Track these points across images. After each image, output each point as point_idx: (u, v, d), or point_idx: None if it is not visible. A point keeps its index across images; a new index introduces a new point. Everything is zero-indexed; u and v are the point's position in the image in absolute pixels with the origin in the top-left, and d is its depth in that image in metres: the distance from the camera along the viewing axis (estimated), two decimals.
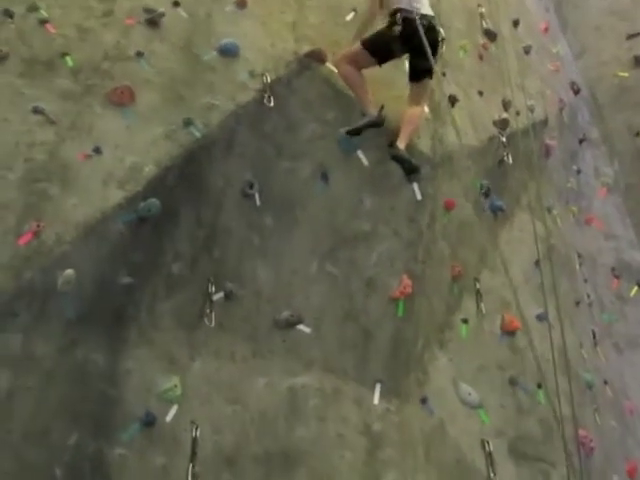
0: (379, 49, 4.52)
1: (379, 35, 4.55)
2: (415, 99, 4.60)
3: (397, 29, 4.38)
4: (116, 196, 3.68)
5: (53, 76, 4.00)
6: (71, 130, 3.82)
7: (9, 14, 4.13)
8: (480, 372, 4.42)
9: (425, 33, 4.15)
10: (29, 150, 3.70)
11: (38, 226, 3.44)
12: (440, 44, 4.57)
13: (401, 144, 4.38)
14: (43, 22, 4.15)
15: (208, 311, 3.69)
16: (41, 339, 3.34)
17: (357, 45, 4.58)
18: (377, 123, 4.42)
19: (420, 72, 4.53)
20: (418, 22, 4.24)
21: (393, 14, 4.44)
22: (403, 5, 4.43)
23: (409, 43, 4.39)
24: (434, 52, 4.25)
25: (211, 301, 3.72)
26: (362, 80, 4.55)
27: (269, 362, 3.80)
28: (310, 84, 4.60)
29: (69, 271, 3.39)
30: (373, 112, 4.44)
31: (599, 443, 4.81)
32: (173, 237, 3.80)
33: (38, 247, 3.46)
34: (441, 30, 4.62)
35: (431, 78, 4.58)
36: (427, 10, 4.53)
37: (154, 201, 3.70)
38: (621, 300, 6.50)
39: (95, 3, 4.35)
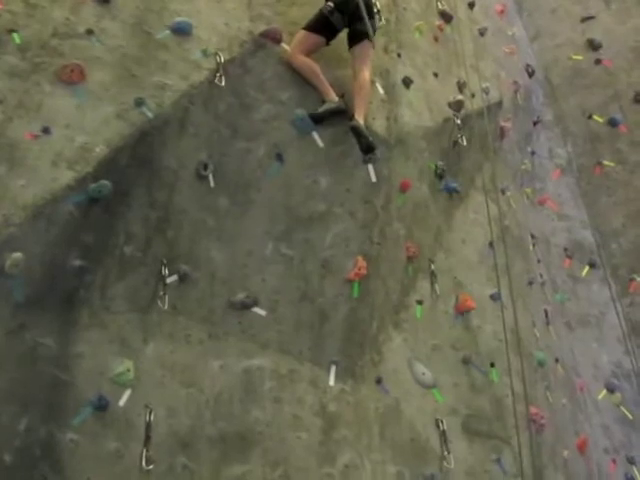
0: (321, 26, 4.63)
1: (318, 14, 4.67)
2: (359, 65, 4.66)
3: (331, 3, 4.62)
4: (66, 177, 3.58)
5: (0, 53, 3.87)
6: (19, 109, 3.70)
7: None
8: (434, 352, 4.49)
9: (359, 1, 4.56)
10: None
11: None
12: (377, 13, 4.83)
13: (359, 117, 4.45)
14: None
15: (162, 293, 3.65)
16: None
17: (300, 32, 4.65)
18: (340, 110, 4.47)
19: (357, 33, 4.68)
20: None
21: None
22: None
23: (346, 11, 4.61)
24: (369, 16, 4.65)
25: (165, 283, 3.68)
26: (317, 68, 4.59)
27: (224, 344, 3.79)
28: (265, 64, 4.55)
29: (17, 254, 3.31)
30: (334, 99, 4.46)
31: (550, 420, 4.93)
32: (125, 219, 3.73)
33: None
34: (377, 3, 4.89)
35: (371, 41, 4.70)
36: None
37: (105, 182, 3.62)
38: (573, 279, 6.65)
39: None
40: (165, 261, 3.73)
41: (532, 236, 6.19)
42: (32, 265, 3.39)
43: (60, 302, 3.44)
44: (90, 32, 4.06)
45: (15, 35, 3.92)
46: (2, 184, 3.48)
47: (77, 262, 3.49)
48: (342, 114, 4.49)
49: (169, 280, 3.71)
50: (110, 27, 4.16)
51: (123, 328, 3.54)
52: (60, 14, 4.09)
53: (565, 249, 6.77)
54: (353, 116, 4.44)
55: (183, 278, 3.76)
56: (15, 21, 3.96)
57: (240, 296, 3.88)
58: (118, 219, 3.70)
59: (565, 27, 8.26)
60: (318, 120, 4.46)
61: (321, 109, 4.48)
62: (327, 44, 4.71)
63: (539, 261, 6.12)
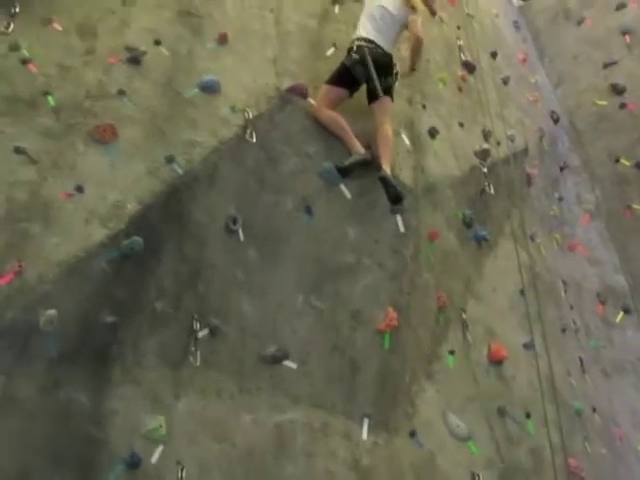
0: (344, 79, 4.76)
1: (340, 67, 4.80)
2: (380, 119, 4.76)
3: (355, 55, 4.74)
4: (99, 234, 3.65)
5: (35, 115, 3.97)
6: (53, 169, 3.79)
7: None
8: (468, 403, 4.40)
9: (378, 58, 4.73)
10: (10, 189, 3.67)
11: (20, 266, 3.41)
12: (394, 74, 4.91)
13: (386, 167, 4.51)
14: (25, 61, 4.14)
15: (193, 348, 3.66)
16: (23, 380, 3.28)
17: (324, 86, 4.77)
18: (367, 162, 4.54)
19: (374, 90, 4.77)
20: (369, 45, 4.77)
21: (351, 43, 4.84)
22: (362, 34, 4.86)
23: (366, 66, 4.72)
24: (387, 74, 4.78)
25: (196, 338, 3.69)
26: (342, 121, 4.69)
27: (256, 398, 3.76)
28: (292, 118, 4.64)
29: (51, 311, 3.36)
30: (361, 150, 4.53)
31: (590, 472, 4.78)
32: (156, 274, 3.76)
33: (20, 286, 3.41)
34: (396, 64, 4.97)
35: (391, 97, 4.83)
36: (386, 46, 4.88)
37: (137, 238, 3.68)
38: (607, 325, 6.52)
39: (77, 42, 4.35)
40: (196, 316, 3.75)
41: (563, 282, 6.11)
42: (65, 322, 3.42)
43: (93, 358, 3.45)
44: (122, 92, 4.19)
45: (49, 97, 4.05)
46: (37, 243, 3.55)
47: (109, 318, 3.51)
48: (369, 165, 4.55)
49: (200, 335, 3.71)
50: (141, 87, 4.29)
51: (155, 384, 3.53)
52: (93, 76, 4.23)
53: (598, 294, 6.66)
54: (380, 167, 4.50)
55: (214, 332, 3.76)
56: (49, 84, 4.10)
57: (271, 349, 3.87)
58: (149, 274, 3.74)
59: (588, 73, 8.29)
60: (345, 172, 4.51)
61: (348, 161, 4.55)
62: (350, 96, 4.80)
63: (572, 307, 6.03)
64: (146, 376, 3.52)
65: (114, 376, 3.46)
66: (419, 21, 5.03)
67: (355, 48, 4.79)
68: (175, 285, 3.80)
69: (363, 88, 4.87)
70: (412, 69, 5.13)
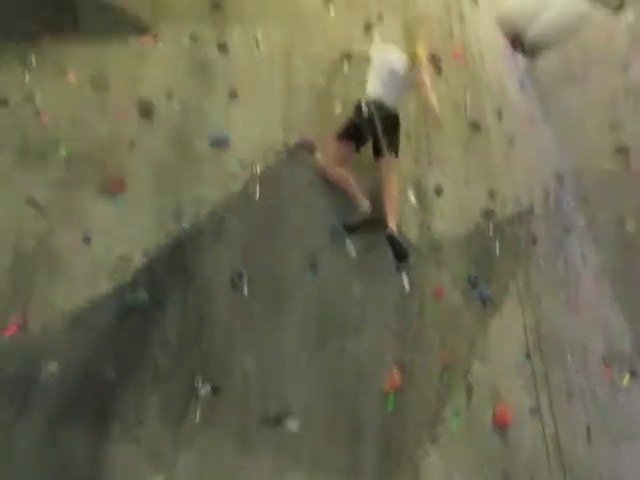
0: (352, 134, 4.77)
1: (349, 123, 4.83)
2: (386, 176, 4.77)
3: (365, 111, 4.76)
4: (104, 286, 3.65)
5: (46, 165, 4.01)
6: (62, 219, 3.82)
7: (4, 102, 4.19)
8: (473, 468, 4.32)
9: (386, 116, 4.76)
10: (18, 239, 3.68)
11: (24, 318, 3.38)
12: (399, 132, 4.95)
13: (393, 225, 4.51)
14: (38, 112, 4.18)
15: (194, 406, 3.60)
16: (23, 434, 3.24)
17: (332, 142, 4.80)
18: (373, 220, 4.54)
19: (380, 148, 4.81)
20: (376, 103, 4.79)
21: (359, 101, 4.86)
22: (370, 93, 4.91)
23: (374, 124, 4.73)
24: (394, 132, 4.83)
25: (197, 396, 3.63)
26: (350, 177, 4.70)
27: (257, 459, 3.69)
28: (298, 173, 4.66)
29: (53, 363, 3.32)
30: (368, 208, 4.54)
31: None
32: (160, 328, 3.74)
33: (23, 337, 3.40)
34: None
35: (396, 155, 4.86)
36: (394, 105, 4.92)
37: (142, 291, 3.67)
38: (614, 389, 6.43)
39: (90, 94, 4.40)
40: (198, 372, 3.70)
41: (569, 344, 6.04)
42: (67, 375, 3.39)
43: (93, 413, 3.41)
44: (132, 145, 4.22)
45: (61, 148, 4.09)
46: (42, 293, 3.55)
47: (112, 373, 3.47)
48: (375, 223, 4.55)
49: (202, 392, 3.66)
50: (151, 140, 4.32)
51: (155, 442, 3.48)
52: (104, 128, 4.26)
53: (603, 357, 6.57)
54: (387, 225, 4.50)
55: (216, 390, 3.71)
56: (61, 134, 4.14)
57: (273, 409, 3.81)
58: (153, 328, 3.72)
59: (593, 133, 8.35)
60: (352, 230, 4.51)
61: (354, 218, 4.54)
62: (357, 151, 4.83)
63: (577, 371, 5.95)
64: (146, 434, 3.48)
65: (114, 433, 3.42)
66: (428, 81, 5.09)
67: (363, 105, 4.83)
68: (178, 340, 3.77)
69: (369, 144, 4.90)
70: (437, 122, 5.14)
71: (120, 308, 3.64)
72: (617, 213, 7.51)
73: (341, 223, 4.52)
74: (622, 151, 7.79)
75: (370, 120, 4.74)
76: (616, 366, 6.51)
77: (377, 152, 4.85)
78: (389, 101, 4.90)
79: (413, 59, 5.06)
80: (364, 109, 4.79)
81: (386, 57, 5.11)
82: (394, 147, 4.86)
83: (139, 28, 4.81)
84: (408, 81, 5.06)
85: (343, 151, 4.77)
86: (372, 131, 4.77)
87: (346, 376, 4.12)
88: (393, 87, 4.97)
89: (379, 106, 4.82)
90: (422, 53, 5.15)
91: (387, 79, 4.96)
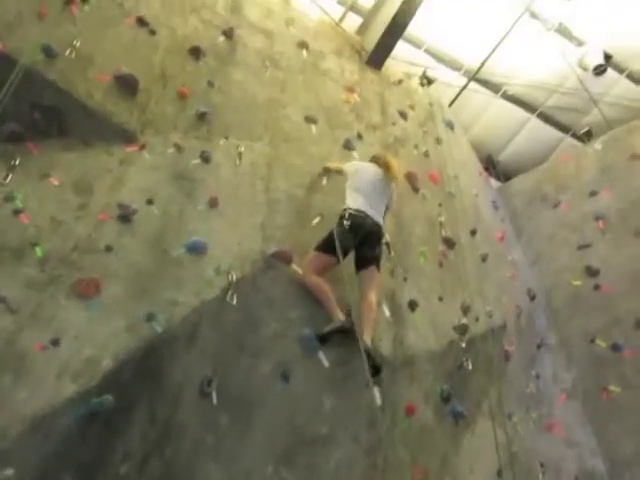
0: (332, 247, 4.75)
1: (329, 235, 4.87)
2: (366, 288, 4.81)
3: (347, 222, 4.85)
4: (69, 389, 3.55)
5: (20, 264, 4.00)
6: (31, 319, 3.77)
7: None
8: None
9: (369, 227, 4.90)
10: None
11: None
12: (383, 243, 5.10)
13: (367, 337, 4.49)
14: (18, 212, 4.23)
15: None
16: None
17: (312, 252, 4.86)
18: (345, 329, 4.52)
19: (365, 260, 4.90)
20: (359, 215, 4.93)
21: (342, 212, 4.98)
22: (353, 206, 5.00)
23: (356, 235, 4.83)
24: (376, 244, 4.94)
25: None
26: (326, 287, 4.74)
27: None
28: (274, 283, 4.70)
29: (9, 470, 3.19)
30: (341, 318, 4.55)
31: None
32: (124, 435, 3.63)
33: None
34: (386, 235, 5.18)
35: (378, 268, 4.91)
36: (376, 216, 5.04)
37: (107, 396, 3.58)
38: None
39: (71, 197, 4.48)
40: None
41: (541, 464, 5.95)
42: None
43: None
44: (109, 248, 4.25)
45: (37, 248, 4.10)
46: (5, 394, 3.45)
47: None
48: (347, 333, 4.54)
49: None
50: (129, 244, 4.36)
51: None
52: (83, 230, 4.31)
53: (576, 478, 6.46)
54: (362, 337, 4.47)
55: None
56: (39, 235, 4.17)
57: None
58: (117, 435, 3.61)
59: (563, 253, 8.56)
60: (324, 339, 4.51)
61: (327, 328, 4.55)
62: (338, 263, 4.81)
63: None
64: None
65: None
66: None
67: (346, 216, 4.91)
68: (142, 447, 3.66)
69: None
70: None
71: (84, 414, 3.53)
72: (587, 332, 7.59)
73: (314, 334, 4.51)
74: (591, 272, 7.97)
75: (352, 229, 4.81)
76: None
77: (359, 263, 4.89)
78: (371, 212, 5.00)
79: (388, 173, 5.24)
80: (346, 218, 4.88)
81: (361, 169, 5.30)
82: (376, 260, 4.91)
83: (125, 137, 4.97)
84: (388, 195, 5.21)
85: (323, 263, 4.81)
86: (354, 242, 4.82)
87: None
88: (375, 199, 5.09)
89: (362, 216, 4.93)
90: (398, 170, 5.35)
91: (369, 192, 5.09)
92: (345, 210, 4.97)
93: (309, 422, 4.23)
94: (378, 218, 5.05)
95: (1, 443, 3.30)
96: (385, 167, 5.29)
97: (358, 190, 5.13)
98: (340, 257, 4.70)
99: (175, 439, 3.79)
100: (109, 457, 3.55)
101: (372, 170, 5.31)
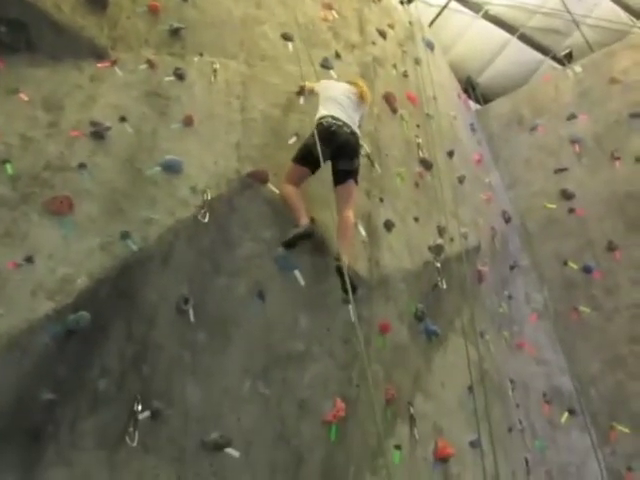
0: (305, 157, 4.74)
1: (303, 145, 4.85)
2: (342, 204, 4.75)
3: (319, 129, 4.72)
4: (44, 307, 3.55)
5: None
6: (4, 237, 3.72)
7: None
8: None
9: (345, 136, 4.76)
10: None
11: None
12: (360, 151, 4.97)
13: (344, 257, 4.46)
14: None
15: (131, 430, 3.53)
16: None
17: (289, 164, 4.83)
18: (308, 234, 4.52)
19: (342, 173, 4.81)
20: (334, 122, 4.79)
21: (316, 121, 4.86)
22: (327, 112, 4.89)
23: (330, 145, 4.69)
24: (353, 156, 4.80)
25: (136, 420, 3.56)
26: (298, 195, 4.70)
27: None
28: (250, 203, 4.67)
29: None
30: (304, 223, 4.54)
31: None
32: (101, 352, 3.66)
33: None
34: (364, 145, 5.09)
35: (356, 182, 4.85)
36: (352, 125, 4.92)
37: (84, 314, 3.60)
38: (552, 426, 6.53)
39: (41, 114, 4.36)
40: (138, 397, 3.63)
41: (511, 381, 6.15)
42: (1, 397, 3.28)
43: (27, 437, 3.30)
44: (82, 166, 4.17)
45: (8, 166, 4.01)
46: None
47: (48, 396, 3.38)
48: (311, 237, 4.55)
49: (141, 417, 3.59)
50: (102, 162, 4.28)
51: (90, 466, 3.39)
52: (55, 148, 4.21)
53: (544, 394, 6.70)
54: (339, 256, 4.49)
55: (155, 415, 3.64)
56: (10, 152, 4.07)
57: (213, 436, 3.76)
58: (94, 352, 3.64)
59: (539, 177, 8.62)
60: (289, 245, 4.50)
61: (290, 234, 4.51)
62: (312, 173, 4.79)
63: (518, 406, 6.05)
64: (80, 458, 3.39)
65: (47, 457, 3.31)
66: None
67: (320, 124, 4.80)
68: (120, 364, 3.70)
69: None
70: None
71: (60, 331, 3.54)
72: (560, 254, 7.73)
73: (281, 243, 4.51)
74: (566, 195, 8.05)
75: (326, 137, 4.68)
76: (555, 404, 6.63)
77: (336, 179, 4.82)
78: (347, 120, 4.90)
79: (358, 89, 5.16)
80: (318, 127, 4.76)
81: (332, 83, 5.29)
82: (354, 173, 4.84)
83: (96, 53, 4.82)
84: (359, 110, 5.13)
85: (297, 174, 4.78)
86: (328, 151, 4.67)
87: (289, 406, 4.10)
88: (349, 108, 5.01)
89: (339, 123, 4.82)
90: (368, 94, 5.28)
91: (342, 101, 5.01)
92: (318, 119, 4.87)
93: (285, 339, 4.30)
94: (354, 127, 4.94)
95: None
96: (356, 86, 5.24)
97: (330, 99, 5.04)
98: (313, 166, 4.66)
99: (152, 356, 3.83)
100: (87, 373, 3.59)
101: (344, 86, 5.27)
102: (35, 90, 4.42)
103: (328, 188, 4.79)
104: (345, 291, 4.44)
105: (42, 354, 3.47)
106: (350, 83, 5.34)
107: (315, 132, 4.65)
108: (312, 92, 5.39)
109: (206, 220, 4.32)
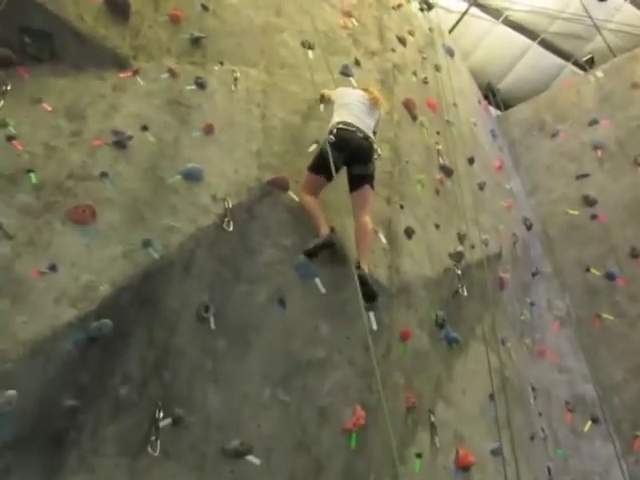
0: (321, 165, 4.73)
1: (318, 153, 4.87)
2: (359, 210, 4.77)
3: (332, 137, 4.74)
4: (68, 314, 3.59)
5: (15, 191, 3.97)
6: (28, 245, 3.77)
7: None
8: None
9: (358, 142, 4.78)
10: None
11: None
12: (375, 155, 4.95)
13: (364, 264, 4.49)
14: (10, 138, 4.17)
15: (153, 438, 3.55)
16: None
17: (305, 174, 4.85)
18: (329, 243, 4.56)
19: (357, 178, 4.83)
20: (346, 128, 4.80)
21: (330, 128, 4.87)
22: (339, 119, 4.91)
23: (343, 150, 4.71)
24: (367, 160, 4.81)
25: (157, 427, 3.59)
26: (317, 204, 4.74)
27: None
28: (271, 210, 4.70)
29: (11, 391, 3.26)
30: (325, 233, 4.56)
31: None
32: (123, 359, 3.70)
33: None
34: (378, 149, 5.04)
35: (372, 187, 4.85)
36: (366, 130, 4.92)
37: (106, 321, 3.64)
38: (575, 434, 6.47)
39: (64, 123, 4.42)
40: (160, 403, 3.66)
41: (533, 388, 6.10)
42: (24, 403, 3.32)
43: (49, 443, 3.34)
44: (104, 175, 4.22)
45: (32, 175, 4.07)
46: (3, 319, 3.49)
47: (70, 402, 3.42)
48: (332, 247, 4.58)
49: (162, 424, 3.61)
50: (124, 170, 4.33)
51: (111, 473, 3.41)
52: (77, 157, 4.27)
53: (566, 402, 6.63)
54: (359, 264, 4.50)
55: (177, 422, 3.66)
56: (34, 162, 4.13)
57: (234, 443, 3.77)
58: (116, 359, 3.67)
59: (561, 183, 8.57)
60: (310, 255, 4.52)
61: (311, 244, 4.55)
62: (329, 181, 4.76)
63: (540, 414, 5.99)
64: (102, 464, 3.41)
65: (69, 463, 3.34)
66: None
67: (333, 131, 4.81)
68: (141, 371, 3.73)
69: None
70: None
71: (83, 338, 3.58)
72: (582, 261, 7.66)
73: (303, 252, 4.53)
74: (588, 201, 7.99)
75: (339, 144, 4.70)
76: (578, 412, 6.56)
77: (352, 185, 4.83)
78: (361, 125, 4.90)
79: (373, 97, 5.17)
80: (333, 134, 4.77)
81: (348, 90, 5.32)
82: (369, 178, 4.85)
83: (118, 62, 4.88)
84: (374, 116, 5.13)
85: (314, 183, 4.80)
86: (342, 158, 4.71)
87: (309, 413, 4.10)
88: (363, 114, 5.02)
89: (351, 129, 4.83)
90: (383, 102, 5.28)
91: (356, 107, 5.02)
92: (332, 127, 4.88)
93: (305, 346, 4.31)
94: (368, 132, 4.94)
95: (3, 366, 3.35)
96: (369, 92, 5.25)
97: (344, 106, 5.06)
98: (328, 174, 4.56)
99: (173, 363, 3.86)
100: (109, 380, 3.62)
101: (359, 92, 5.29)
102: (58, 100, 4.48)
103: (345, 195, 4.81)
104: (365, 298, 4.46)
105: (65, 361, 3.51)
106: (364, 90, 5.36)
107: (327, 139, 4.69)
108: (330, 100, 5.41)
109: (230, 229, 4.35)
